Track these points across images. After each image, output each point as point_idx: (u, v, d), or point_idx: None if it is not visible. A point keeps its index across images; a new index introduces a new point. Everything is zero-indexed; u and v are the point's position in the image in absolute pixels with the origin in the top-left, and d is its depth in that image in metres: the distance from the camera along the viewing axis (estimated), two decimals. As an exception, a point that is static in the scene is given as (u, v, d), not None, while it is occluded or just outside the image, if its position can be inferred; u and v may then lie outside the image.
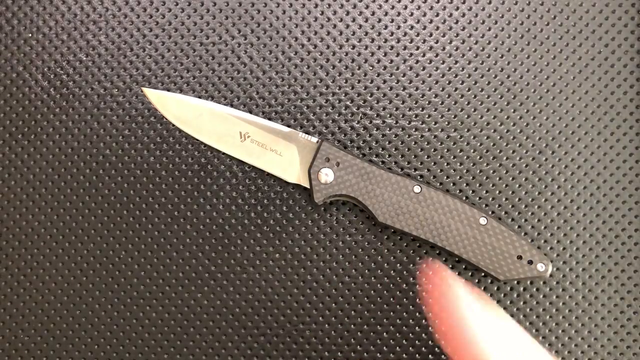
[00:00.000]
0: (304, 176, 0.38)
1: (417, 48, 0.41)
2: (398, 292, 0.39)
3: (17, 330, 0.40)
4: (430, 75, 0.41)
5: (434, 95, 0.40)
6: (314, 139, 0.39)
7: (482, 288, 0.39)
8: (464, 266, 0.39)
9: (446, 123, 0.40)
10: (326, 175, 0.38)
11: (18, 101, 0.41)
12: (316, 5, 0.41)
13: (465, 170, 0.40)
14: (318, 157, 0.38)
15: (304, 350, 0.40)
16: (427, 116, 0.40)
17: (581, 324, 0.39)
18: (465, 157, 0.40)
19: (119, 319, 0.40)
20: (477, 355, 0.28)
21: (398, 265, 0.40)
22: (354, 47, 0.41)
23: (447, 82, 0.40)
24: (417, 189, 0.38)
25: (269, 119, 0.40)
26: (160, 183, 0.40)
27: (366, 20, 0.41)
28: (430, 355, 0.39)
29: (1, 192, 0.41)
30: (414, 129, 0.40)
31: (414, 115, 0.40)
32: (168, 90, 0.40)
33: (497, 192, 0.40)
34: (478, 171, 0.40)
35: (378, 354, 0.39)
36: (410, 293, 0.39)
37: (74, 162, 0.41)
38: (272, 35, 0.41)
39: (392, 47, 0.41)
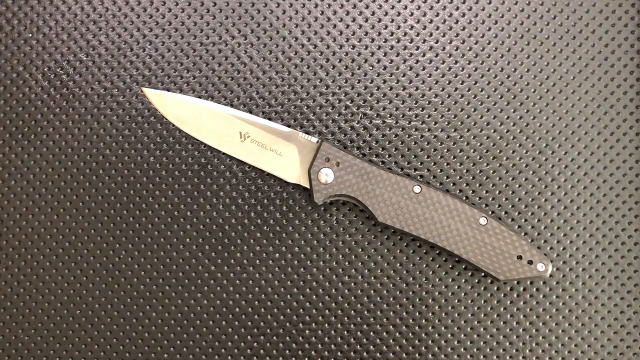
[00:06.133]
0: (304, 176, 0.38)
1: (417, 48, 0.41)
2: (398, 292, 0.39)
3: (17, 330, 0.40)
4: (430, 75, 0.41)
5: (434, 95, 0.40)
6: (314, 139, 0.39)
7: (482, 288, 0.39)
8: (464, 266, 0.39)
9: (446, 123, 0.40)
10: (326, 175, 0.38)
11: (18, 101, 0.41)
12: (316, 5, 0.41)
13: (465, 170, 0.40)
14: (318, 157, 0.38)
15: (304, 350, 0.40)
16: (427, 116, 0.40)
17: (581, 324, 0.39)
18: (465, 157, 0.40)
19: (119, 319, 0.40)
20: None
21: (398, 265, 0.40)
22: (354, 47, 0.41)
23: (447, 82, 0.40)
24: (417, 189, 0.38)
25: (269, 119, 0.40)
26: (160, 183, 0.40)
27: (366, 20, 0.41)
28: (430, 355, 0.39)
29: (1, 192, 0.41)
30: (414, 129, 0.40)
31: (414, 115, 0.40)
32: (168, 90, 0.40)
33: (497, 192, 0.40)
34: (478, 171, 0.40)
35: (378, 354, 0.39)
36: (411, 293, 0.39)
37: (74, 162, 0.41)
38: (272, 35, 0.41)
39: (392, 47, 0.41)
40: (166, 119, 0.40)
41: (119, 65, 0.41)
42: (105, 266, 0.40)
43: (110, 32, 0.41)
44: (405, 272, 0.40)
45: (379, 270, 0.40)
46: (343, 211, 0.40)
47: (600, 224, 0.40)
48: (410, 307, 0.39)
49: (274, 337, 0.40)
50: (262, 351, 0.40)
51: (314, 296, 0.40)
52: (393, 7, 0.41)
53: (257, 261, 0.40)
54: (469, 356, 0.39)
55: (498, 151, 0.40)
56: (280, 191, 0.40)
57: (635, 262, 0.40)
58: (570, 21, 0.41)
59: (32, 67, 0.41)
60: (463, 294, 0.39)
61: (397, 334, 0.39)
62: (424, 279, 0.40)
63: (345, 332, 0.40)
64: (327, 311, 0.40)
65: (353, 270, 0.40)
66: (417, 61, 0.41)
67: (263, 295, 0.40)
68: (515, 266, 0.37)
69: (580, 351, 0.39)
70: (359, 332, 0.40)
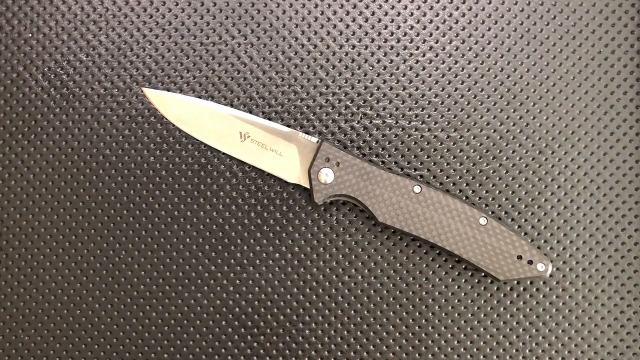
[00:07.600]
0: (304, 176, 0.38)
1: (417, 48, 0.41)
2: (398, 292, 0.39)
3: (17, 330, 0.40)
4: (430, 75, 0.41)
5: (434, 95, 0.40)
6: (314, 139, 0.39)
7: (482, 288, 0.39)
8: (464, 266, 0.39)
9: (446, 123, 0.40)
10: (326, 175, 0.38)
11: (18, 101, 0.41)
12: (316, 5, 0.41)
13: (465, 170, 0.40)
14: (318, 157, 0.38)
15: (304, 350, 0.40)
16: (427, 116, 0.40)
17: (581, 324, 0.39)
18: (465, 157, 0.40)
19: (119, 319, 0.40)
20: None
21: (398, 265, 0.40)
22: (354, 47, 0.41)
23: (447, 82, 0.40)
24: (417, 189, 0.38)
25: (269, 119, 0.40)
26: (160, 183, 0.40)
27: (366, 20, 0.41)
28: (430, 355, 0.39)
29: (1, 192, 0.41)
30: (414, 129, 0.40)
31: (414, 115, 0.40)
32: (168, 90, 0.40)
33: (497, 192, 0.40)
34: (478, 171, 0.40)
35: (378, 354, 0.39)
36: (411, 293, 0.39)
37: (74, 162, 0.41)
38: (272, 35, 0.41)
39: (392, 47, 0.41)
40: (166, 119, 0.40)
41: (119, 65, 0.41)
42: (105, 266, 0.40)
43: (110, 32, 0.41)
44: (405, 272, 0.40)
45: (379, 270, 0.40)
46: (343, 211, 0.40)
47: (600, 224, 0.40)
48: (410, 307, 0.39)
49: (274, 337, 0.40)
50: (262, 351, 0.40)
51: (314, 296, 0.40)
52: (393, 7, 0.41)
53: (257, 261, 0.40)
54: (469, 356, 0.39)
55: (498, 151, 0.40)
56: (280, 191, 0.40)
57: (635, 262, 0.40)
58: (570, 21, 0.41)
59: (32, 67, 0.41)
60: (463, 294, 0.39)
61: (397, 334, 0.39)
62: (424, 279, 0.40)
63: (345, 332, 0.40)
64: (327, 311, 0.40)
65: (353, 270, 0.40)
66: (417, 61, 0.41)
67: (263, 295, 0.40)
68: (515, 266, 0.37)
69: (580, 351, 0.39)
70: (359, 332, 0.40)
